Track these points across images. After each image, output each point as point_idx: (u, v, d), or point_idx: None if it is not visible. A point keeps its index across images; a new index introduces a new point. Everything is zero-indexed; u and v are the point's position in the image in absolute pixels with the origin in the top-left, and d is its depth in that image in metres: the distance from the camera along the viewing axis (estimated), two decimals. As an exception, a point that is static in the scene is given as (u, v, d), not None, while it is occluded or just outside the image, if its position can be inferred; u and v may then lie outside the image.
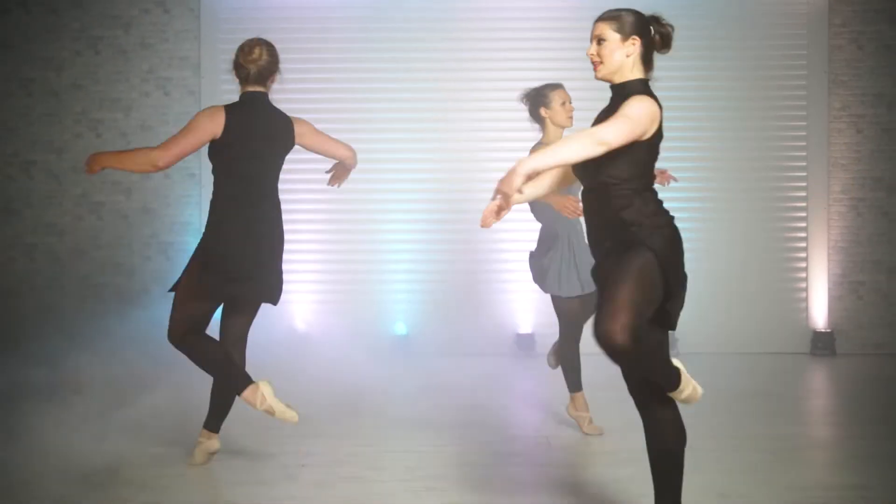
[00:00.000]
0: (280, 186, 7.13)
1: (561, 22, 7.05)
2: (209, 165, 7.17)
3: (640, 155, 2.87)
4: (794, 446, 4.42)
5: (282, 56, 7.18)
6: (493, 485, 3.86)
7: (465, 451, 4.40)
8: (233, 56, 4.10)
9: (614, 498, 3.63)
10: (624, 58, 2.93)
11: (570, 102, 4.60)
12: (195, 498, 3.73)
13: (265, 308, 7.14)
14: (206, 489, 3.84)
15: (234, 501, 3.66)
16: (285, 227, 7.13)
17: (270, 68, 4.12)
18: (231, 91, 7.28)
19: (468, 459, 4.25)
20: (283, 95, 7.13)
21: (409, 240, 7.18)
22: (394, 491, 3.76)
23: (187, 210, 7.27)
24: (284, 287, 7.11)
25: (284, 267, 7.76)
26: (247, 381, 3.77)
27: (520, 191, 2.75)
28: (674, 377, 2.82)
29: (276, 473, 4.02)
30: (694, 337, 7.02)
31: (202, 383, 4.30)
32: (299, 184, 7.18)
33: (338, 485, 3.85)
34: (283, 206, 7.18)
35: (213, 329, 4.09)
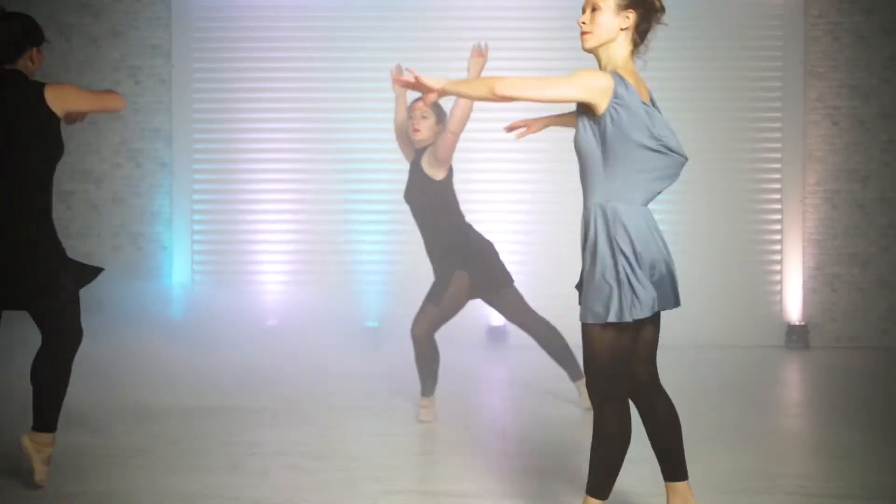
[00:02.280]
0: (245, 178, 7.20)
1: (540, 21, 7.01)
2: (180, 155, 7.25)
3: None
4: (750, 436, 4.36)
5: (253, 43, 7.24)
6: (436, 474, 3.82)
7: (414, 440, 4.35)
8: None
9: (550, 486, 3.58)
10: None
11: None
12: (136, 485, 3.67)
13: (234, 302, 7.24)
14: (147, 476, 3.78)
15: (173, 488, 3.61)
16: (255, 217, 7.22)
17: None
18: (204, 80, 7.28)
19: (416, 449, 4.20)
20: (251, 84, 7.14)
21: (380, 230, 7.12)
22: (333, 479, 3.70)
23: (157, 199, 7.21)
24: (253, 279, 7.22)
25: (255, 258, 7.67)
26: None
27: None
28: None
29: (221, 462, 3.97)
30: (667, 330, 6.80)
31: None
32: (269, 174, 7.16)
33: (279, 473, 3.80)
34: (254, 198, 7.29)
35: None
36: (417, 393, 5.05)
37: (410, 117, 4.66)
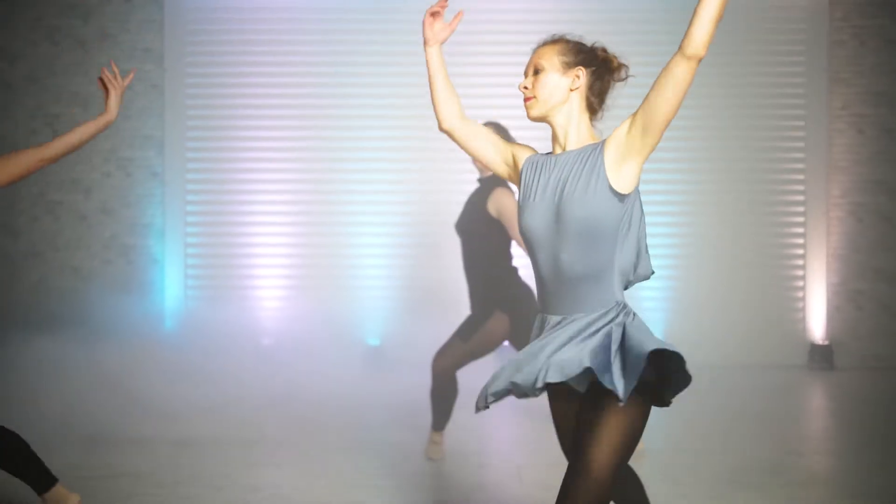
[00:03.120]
0: (241, 188, 6.86)
1: (542, 25, 6.66)
2: (173, 163, 6.90)
3: None
4: (784, 482, 4.02)
5: (248, 46, 6.89)
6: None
7: (423, 484, 4.02)
8: None
9: None
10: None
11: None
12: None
13: (229, 319, 6.90)
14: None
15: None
16: (251, 229, 6.87)
17: None
18: (197, 84, 6.93)
19: (424, 497, 3.86)
20: (247, 89, 6.79)
21: (381, 243, 6.79)
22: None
23: (149, 210, 6.87)
24: (249, 293, 6.87)
25: (251, 272, 7.33)
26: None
27: None
28: None
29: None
30: (686, 349, 6.62)
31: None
32: (266, 184, 6.81)
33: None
34: (250, 209, 6.93)
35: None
36: (423, 422, 4.73)
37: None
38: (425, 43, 2.49)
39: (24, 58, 6.81)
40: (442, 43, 2.50)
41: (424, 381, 4.72)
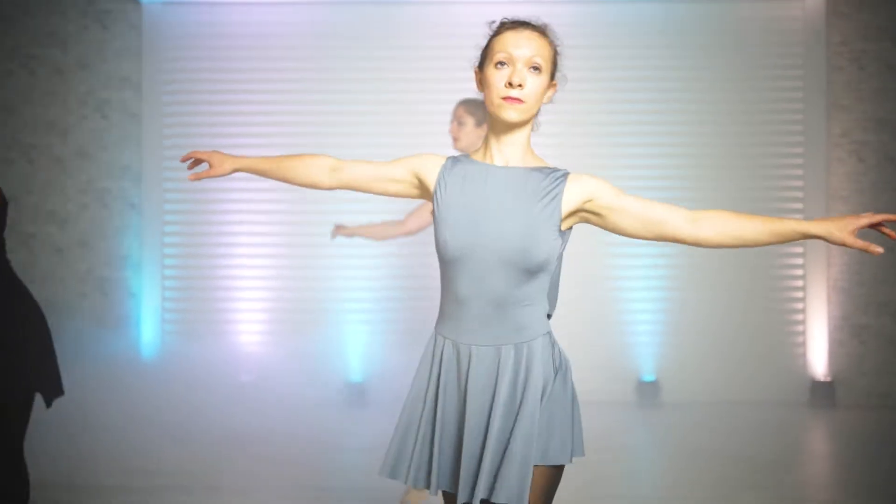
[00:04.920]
0: (219, 219, 6.67)
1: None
2: (150, 194, 6.72)
3: None
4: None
5: (227, 75, 6.73)
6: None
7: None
8: None
9: None
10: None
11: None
12: None
13: (207, 355, 6.68)
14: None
15: None
16: (230, 261, 6.68)
17: None
18: (175, 113, 6.77)
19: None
20: (226, 118, 6.63)
21: (364, 276, 6.56)
22: None
23: (126, 242, 6.68)
24: (227, 328, 6.65)
25: (229, 305, 7.14)
26: None
27: None
28: None
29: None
30: (680, 385, 6.43)
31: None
32: (246, 215, 6.63)
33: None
34: (229, 241, 6.71)
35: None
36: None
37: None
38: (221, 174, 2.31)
39: (1, 87, 6.66)
40: (232, 170, 2.36)
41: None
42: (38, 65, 6.69)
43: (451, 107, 6.00)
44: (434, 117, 6.54)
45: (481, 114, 4.05)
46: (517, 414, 2.00)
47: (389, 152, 6.51)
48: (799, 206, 6.51)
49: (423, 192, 2.19)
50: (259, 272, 6.63)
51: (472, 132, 4.06)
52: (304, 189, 7.61)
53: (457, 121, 4.12)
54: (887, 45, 6.47)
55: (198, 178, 2.33)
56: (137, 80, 6.66)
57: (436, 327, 2.16)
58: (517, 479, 1.94)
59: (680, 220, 2.02)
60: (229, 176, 7.65)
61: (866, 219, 1.99)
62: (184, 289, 6.65)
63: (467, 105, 4.10)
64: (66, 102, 6.70)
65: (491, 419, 2.00)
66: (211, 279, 6.64)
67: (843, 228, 2.01)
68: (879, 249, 1.97)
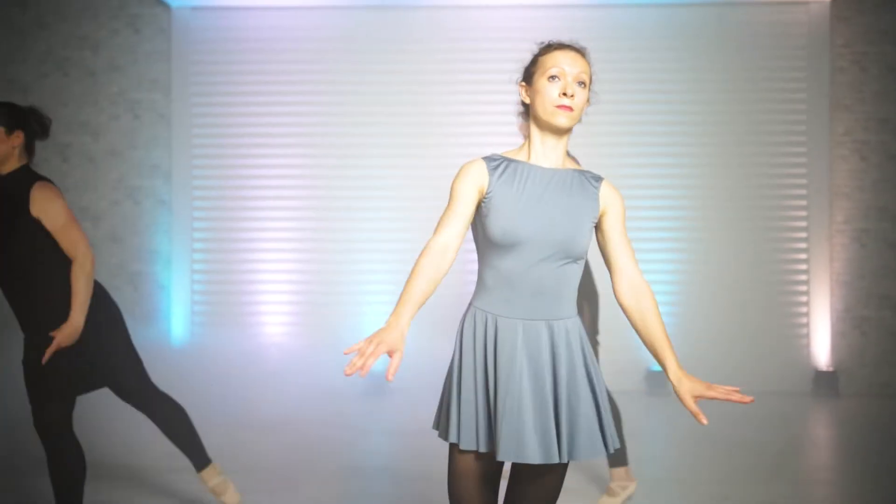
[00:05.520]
0: (246, 216, 6.92)
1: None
2: (179, 192, 7.00)
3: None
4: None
5: (253, 77, 6.99)
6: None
7: None
8: None
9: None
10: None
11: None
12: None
13: (235, 346, 6.94)
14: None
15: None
16: (257, 255, 6.95)
17: None
18: (203, 114, 7.04)
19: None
20: (252, 118, 6.89)
21: (389, 269, 6.82)
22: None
23: (156, 238, 6.96)
24: (256, 320, 6.93)
25: (257, 297, 7.37)
26: None
27: None
28: None
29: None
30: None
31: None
32: (272, 211, 6.89)
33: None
34: (256, 236, 6.97)
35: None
36: (427, 448, 4.74)
37: None
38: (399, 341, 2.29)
39: (37, 90, 6.94)
40: (404, 333, 2.31)
41: (430, 404, 4.72)
42: (72, 67, 6.97)
43: (467, 107, 6.26)
44: (450, 118, 6.80)
45: None
46: (588, 378, 2.33)
47: (411, 151, 6.78)
48: (803, 202, 6.74)
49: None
50: (284, 266, 6.89)
51: None
52: (327, 185, 7.80)
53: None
54: (889, 48, 6.70)
55: (392, 375, 2.20)
56: (167, 81, 6.93)
57: (477, 304, 2.40)
58: (595, 435, 2.30)
59: (624, 284, 2.39)
60: (254, 172, 7.86)
61: (713, 393, 2.24)
62: (212, 282, 6.92)
63: None
64: (98, 103, 6.98)
65: (557, 386, 2.30)
66: (238, 273, 6.91)
67: (690, 390, 2.27)
68: (704, 421, 2.24)
